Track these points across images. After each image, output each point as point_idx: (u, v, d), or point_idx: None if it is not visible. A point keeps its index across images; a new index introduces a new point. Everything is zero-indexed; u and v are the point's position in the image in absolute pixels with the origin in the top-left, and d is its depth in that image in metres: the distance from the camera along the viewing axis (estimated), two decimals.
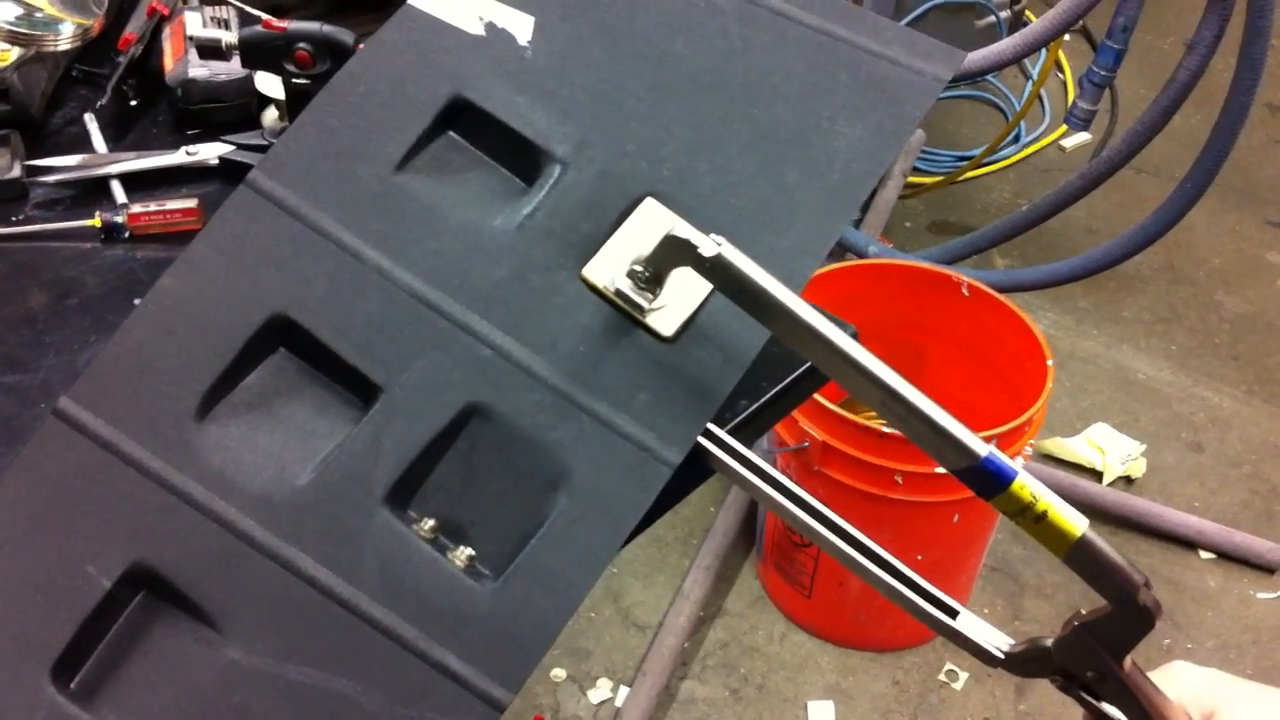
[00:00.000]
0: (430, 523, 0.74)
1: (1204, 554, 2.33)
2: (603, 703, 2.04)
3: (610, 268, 0.79)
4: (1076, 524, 0.65)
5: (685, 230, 0.73)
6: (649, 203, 0.81)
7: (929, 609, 0.75)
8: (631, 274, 0.77)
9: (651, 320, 0.78)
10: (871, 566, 0.76)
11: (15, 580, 0.72)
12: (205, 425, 0.75)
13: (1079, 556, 0.66)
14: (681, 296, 0.78)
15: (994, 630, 0.75)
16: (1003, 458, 0.67)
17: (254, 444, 0.75)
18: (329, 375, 0.78)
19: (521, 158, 0.83)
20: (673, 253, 0.74)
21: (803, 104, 0.86)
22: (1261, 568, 2.30)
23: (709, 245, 0.71)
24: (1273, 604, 2.25)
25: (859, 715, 2.05)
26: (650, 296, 0.77)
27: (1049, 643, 0.71)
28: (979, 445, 0.67)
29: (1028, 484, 0.66)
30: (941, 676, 2.11)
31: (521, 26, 0.86)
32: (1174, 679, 0.73)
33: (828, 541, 0.76)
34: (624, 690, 2.04)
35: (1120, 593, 0.65)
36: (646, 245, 0.76)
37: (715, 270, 0.72)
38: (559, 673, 2.08)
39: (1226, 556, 2.32)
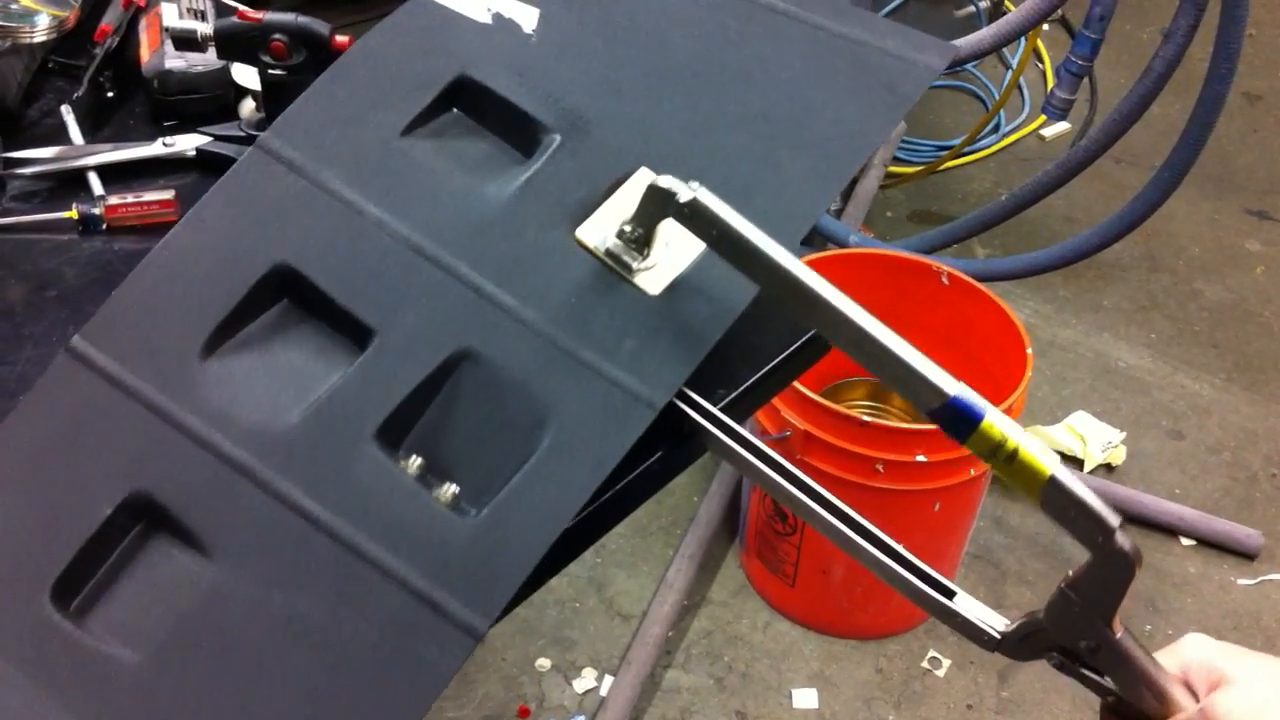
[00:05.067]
0: (418, 461, 0.76)
1: (1184, 541, 2.34)
2: (588, 692, 2.05)
3: (602, 229, 0.82)
4: (1047, 463, 0.65)
5: (666, 180, 0.76)
6: (643, 171, 0.84)
7: (925, 589, 0.75)
8: (620, 234, 0.80)
9: (639, 280, 0.81)
10: (863, 543, 0.77)
11: (21, 507, 0.74)
12: (207, 365, 0.78)
13: (1052, 499, 0.65)
14: (671, 258, 0.81)
15: (989, 611, 0.74)
16: (973, 396, 0.67)
17: (252, 383, 0.78)
18: (328, 323, 0.81)
19: (521, 132, 0.87)
20: (655, 203, 0.77)
21: (797, 89, 0.89)
22: (1241, 554, 2.31)
23: (686, 191, 0.74)
24: (1252, 590, 2.27)
25: (843, 703, 2.06)
26: (639, 256, 0.80)
27: (1041, 614, 0.71)
28: (949, 384, 0.68)
29: (997, 422, 0.66)
30: (925, 664, 2.12)
31: (527, 17, 0.90)
32: (1184, 650, 0.72)
33: (819, 518, 0.77)
34: (609, 679, 2.05)
35: (1095, 535, 0.64)
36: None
37: (695, 217, 0.75)
38: (544, 662, 2.08)
39: (1206, 543, 2.33)
